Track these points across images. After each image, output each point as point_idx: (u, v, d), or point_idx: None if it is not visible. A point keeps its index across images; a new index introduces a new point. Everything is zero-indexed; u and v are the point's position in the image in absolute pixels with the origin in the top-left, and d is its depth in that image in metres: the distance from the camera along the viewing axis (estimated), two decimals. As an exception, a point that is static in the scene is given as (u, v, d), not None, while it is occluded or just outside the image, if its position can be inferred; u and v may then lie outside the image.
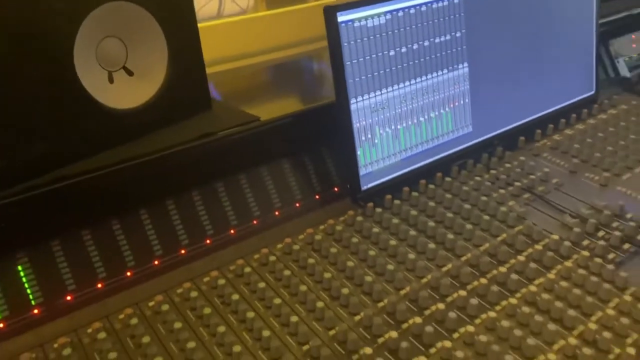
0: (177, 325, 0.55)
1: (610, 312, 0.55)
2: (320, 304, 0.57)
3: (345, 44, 0.65)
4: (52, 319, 0.57)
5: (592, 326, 0.53)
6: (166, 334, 0.55)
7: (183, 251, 0.65)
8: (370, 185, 0.73)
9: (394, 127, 0.73)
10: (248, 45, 1.03)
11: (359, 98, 0.68)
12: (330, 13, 0.64)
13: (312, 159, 0.76)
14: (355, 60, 0.67)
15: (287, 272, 0.61)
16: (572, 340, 0.52)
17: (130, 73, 0.66)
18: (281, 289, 0.60)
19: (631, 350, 0.51)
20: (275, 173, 0.73)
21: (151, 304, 0.58)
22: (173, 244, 0.65)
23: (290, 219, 0.71)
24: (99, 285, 0.60)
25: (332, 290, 0.59)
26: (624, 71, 1.06)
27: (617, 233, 0.65)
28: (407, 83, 0.72)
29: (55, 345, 0.54)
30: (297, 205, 0.73)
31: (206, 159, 0.68)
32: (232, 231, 0.68)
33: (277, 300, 0.58)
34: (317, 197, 0.75)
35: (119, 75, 0.65)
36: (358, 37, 0.66)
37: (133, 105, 0.66)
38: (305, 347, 0.53)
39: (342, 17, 0.65)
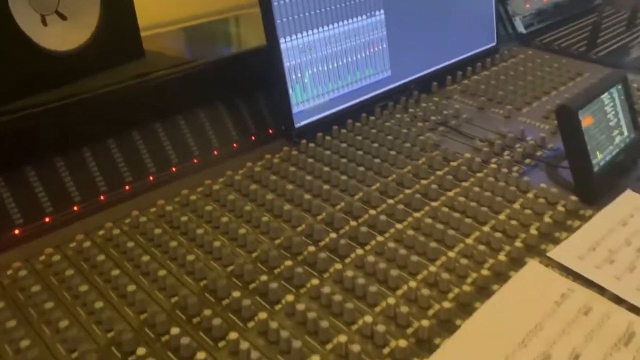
0: (100, 258, 0.57)
1: (516, 207, 0.64)
2: (246, 230, 0.62)
3: (272, -14, 0.70)
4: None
5: (502, 218, 0.62)
6: (95, 268, 0.56)
7: (127, 187, 0.68)
8: (302, 123, 0.78)
9: (321, 68, 0.79)
10: (180, 12, 1.05)
11: (288, 38, 0.74)
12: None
13: (246, 102, 0.81)
14: (282, 1, 0.72)
15: (231, 197, 0.66)
16: (486, 229, 0.60)
17: (63, 17, 0.67)
18: (205, 224, 0.64)
19: (534, 232, 0.60)
20: (212, 115, 0.77)
21: (77, 242, 0.61)
22: (117, 181, 0.67)
23: (229, 158, 0.75)
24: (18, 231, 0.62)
25: (253, 222, 0.63)
26: (520, 28, 1.18)
27: (519, 150, 0.75)
28: (330, 26, 0.79)
29: None
30: (234, 145, 0.77)
31: (142, 99, 0.71)
32: (173, 169, 0.72)
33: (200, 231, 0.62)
34: (252, 138, 0.79)
35: (53, 19, 0.67)
36: (284, -18, 0.72)
37: (68, 48, 0.67)
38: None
39: (268, -39, 0.70)
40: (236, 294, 0.52)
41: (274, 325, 0.48)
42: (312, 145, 0.77)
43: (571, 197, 0.65)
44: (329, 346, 0.48)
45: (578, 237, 0.59)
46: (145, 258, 0.56)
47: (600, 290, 0.52)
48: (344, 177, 0.70)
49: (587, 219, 0.63)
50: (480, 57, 1.04)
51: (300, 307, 0.50)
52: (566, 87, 0.97)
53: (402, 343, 0.47)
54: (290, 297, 0.52)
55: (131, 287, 0.53)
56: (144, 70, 0.72)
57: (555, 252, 0.57)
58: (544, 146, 0.78)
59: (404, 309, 0.50)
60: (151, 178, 0.70)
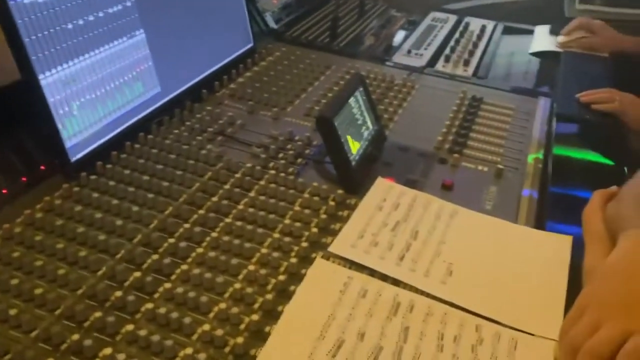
0: None
1: (297, 208, 0.74)
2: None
3: (20, 21, 0.66)
4: None
5: (287, 222, 0.71)
6: None
7: None
8: (79, 156, 0.76)
9: (89, 96, 0.76)
10: None
11: (47, 73, 0.70)
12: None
13: (5, 141, 0.74)
14: (34, 37, 0.67)
15: (16, 254, 0.62)
16: (276, 235, 0.69)
17: None
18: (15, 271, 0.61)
19: (314, 229, 0.70)
20: (-30, 163, 0.70)
21: None
22: None
23: (0, 207, 0.70)
24: None
25: (47, 276, 0.61)
26: (272, 23, 1.28)
27: (291, 152, 0.85)
28: (91, 53, 0.76)
29: None
30: (4, 191, 0.72)
31: None
32: None
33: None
34: (23, 179, 0.74)
35: None
36: (31, 14, 0.67)
37: None
38: None
39: (9, -5, 0.64)
40: (50, 361, 0.52)
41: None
42: (93, 177, 0.75)
43: (338, 190, 0.77)
44: (157, 386, 0.51)
45: (347, 228, 0.71)
46: None
47: (371, 272, 0.65)
48: (135, 208, 0.71)
49: (353, 207, 0.75)
50: (242, 59, 1.11)
51: (121, 356, 0.52)
52: (319, 81, 1.10)
53: (255, 317, 0.52)
54: (108, 350, 0.53)
55: None
56: None
57: (333, 246, 0.68)
58: (309, 144, 0.89)
59: (219, 331, 0.55)
60: None
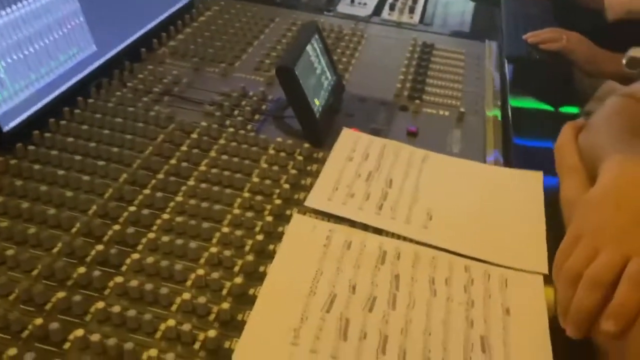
0: None
1: (264, 165, 0.69)
2: None
3: None
4: None
5: (255, 180, 0.66)
6: None
7: None
8: (12, 125, 0.67)
9: (16, 56, 0.67)
10: None
11: (-35, 30, 0.61)
12: None
13: None
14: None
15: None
16: (246, 194, 0.64)
17: None
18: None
19: (286, 185, 0.66)
20: None
21: None
22: None
23: None
24: None
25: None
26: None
27: (247, 108, 0.80)
28: (13, 7, 0.67)
29: None
30: None
31: None
32: None
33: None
34: (-52, 155, 0.65)
35: None
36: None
37: None
38: None
39: None
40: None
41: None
42: (31, 147, 0.67)
43: (304, 144, 0.73)
44: (141, 364, 0.47)
45: (320, 181, 0.67)
46: None
47: (352, 223, 0.62)
48: (85, 177, 0.64)
49: (321, 161, 0.72)
50: (180, 15, 1.03)
51: (95, 337, 0.47)
52: (264, 35, 1.04)
53: (212, 333, 0.48)
54: (79, 331, 0.47)
55: None
56: None
57: (309, 200, 0.64)
58: (265, 99, 0.84)
59: (201, 299, 0.51)
60: None
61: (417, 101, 0.86)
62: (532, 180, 0.70)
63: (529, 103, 0.93)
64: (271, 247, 0.59)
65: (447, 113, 0.85)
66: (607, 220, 0.48)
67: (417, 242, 0.60)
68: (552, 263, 0.55)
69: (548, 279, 0.57)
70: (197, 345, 0.48)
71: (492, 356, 0.49)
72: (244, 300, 0.53)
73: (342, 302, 0.52)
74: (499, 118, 0.85)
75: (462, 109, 0.84)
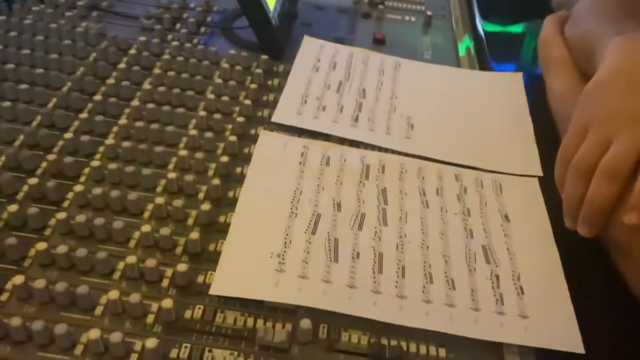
0: None
1: (218, 81, 0.60)
2: None
3: None
4: None
5: (211, 97, 0.58)
6: None
7: None
8: None
9: None
10: None
11: None
12: None
13: None
14: None
15: None
16: (201, 113, 0.55)
17: None
18: None
19: (247, 101, 0.58)
20: None
21: None
22: None
23: None
24: None
25: None
26: None
27: (190, 20, 0.69)
28: None
29: None
30: None
31: None
32: None
33: None
34: None
35: None
36: None
37: None
38: None
39: None
40: None
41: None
42: None
43: (261, 56, 0.65)
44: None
45: (286, 95, 0.59)
46: None
47: (327, 137, 0.55)
48: (6, 104, 0.53)
49: (282, 75, 0.63)
50: None
51: (39, 283, 0.39)
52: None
53: (182, 267, 0.41)
54: (18, 278, 0.39)
55: None
56: None
57: (276, 115, 0.56)
58: (210, 10, 0.74)
59: (164, 230, 0.43)
60: None
61: (380, 6, 0.78)
62: (513, 82, 0.65)
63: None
64: (238, 169, 0.51)
65: (413, 19, 0.78)
66: (618, 106, 0.43)
67: (401, 153, 0.54)
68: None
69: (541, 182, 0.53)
70: (165, 283, 0.41)
71: (497, 265, 0.44)
72: (215, 229, 0.45)
73: (328, 221, 0.46)
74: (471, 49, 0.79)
75: (428, 12, 0.77)
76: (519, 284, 0.43)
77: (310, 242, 0.44)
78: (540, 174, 0.53)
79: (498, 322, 0.40)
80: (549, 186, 0.51)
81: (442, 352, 0.39)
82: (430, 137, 0.56)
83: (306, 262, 0.42)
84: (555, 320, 0.41)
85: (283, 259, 0.42)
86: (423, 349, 0.39)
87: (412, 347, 0.39)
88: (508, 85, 0.64)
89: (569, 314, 0.41)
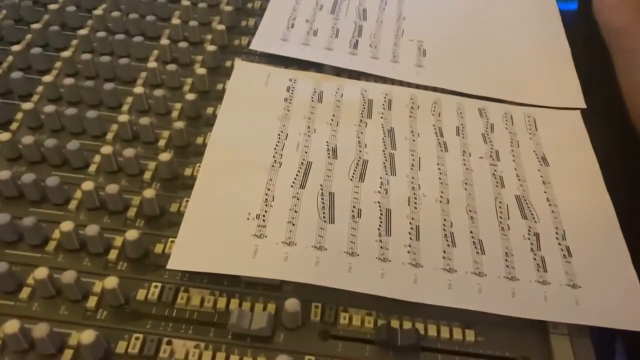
0: None
1: (186, 3, 0.49)
2: None
3: None
4: None
5: (176, 22, 0.47)
6: None
7: None
8: None
9: None
10: None
11: None
12: None
13: None
14: None
15: None
16: (165, 42, 0.45)
17: None
18: None
19: (219, 27, 0.47)
20: None
21: None
22: None
23: None
24: None
25: None
26: None
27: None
28: None
29: None
30: None
31: None
32: None
33: None
34: None
35: None
36: None
37: None
38: None
39: None
40: None
41: None
42: None
43: (239, -25, 0.53)
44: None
45: (270, 16, 0.49)
46: None
47: (319, 67, 0.45)
48: None
49: (265, -5, 0.53)
50: None
51: None
52: None
53: (132, 234, 0.32)
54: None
55: None
56: None
57: (256, 42, 0.46)
58: None
59: (111, 188, 0.34)
60: None
61: None
62: (544, -2, 0.53)
63: None
64: (209, 110, 0.41)
65: None
66: None
67: (411, 85, 0.44)
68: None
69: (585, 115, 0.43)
70: (113, 255, 0.32)
71: (536, 220, 0.35)
72: (178, 184, 0.36)
73: (321, 172, 0.36)
74: None
75: None
76: (565, 243, 0.34)
77: (298, 199, 0.34)
78: (583, 105, 0.43)
79: (541, 295, 0.31)
80: (594, 121, 0.42)
81: (470, 334, 0.30)
82: (446, 64, 0.46)
83: (293, 224, 0.33)
84: (613, 290, 0.32)
85: (264, 220, 0.33)
86: (445, 332, 0.30)
87: (431, 330, 0.30)
88: (538, 1, 0.53)
89: (631, 280, 0.32)
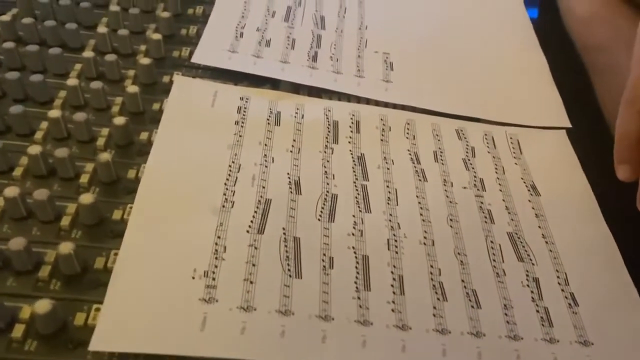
0: None
1: (114, 9, 0.42)
2: None
3: None
4: None
5: (102, 31, 0.40)
6: None
7: None
8: None
9: None
10: None
11: None
12: None
13: None
14: None
15: None
16: (89, 54, 0.38)
17: None
18: None
19: (157, 38, 0.40)
20: None
21: None
22: None
23: None
24: None
25: None
26: None
27: None
28: None
29: None
30: None
31: None
32: None
33: None
34: None
35: None
36: None
37: None
38: None
39: None
40: None
41: None
42: None
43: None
44: None
45: (214, 25, 0.42)
46: None
47: (274, 83, 0.39)
48: None
49: (207, 1, 0.46)
50: None
51: None
52: None
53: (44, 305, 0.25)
54: None
55: None
56: None
57: (198, 55, 0.39)
58: None
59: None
60: None
61: None
62: (512, 3, 0.50)
63: None
64: (143, 136, 0.34)
65: None
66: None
67: (379, 104, 0.39)
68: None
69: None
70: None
71: (534, 262, 0.30)
72: (102, 231, 0.29)
73: (283, 211, 0.30)
74: None
75: None
76: (569, 290, 0.29)
77: (256, 248, 0.28)
78: (568, 124, 0.39)
79: (549, 356, 0.27)
80: (580, 142, 0.38)
81: (471, 411, 0.25)
82: (415, 79, 0.41)
83: (251, 282, 0.27)
84: (628, 342, 0.28)
85: (213, 279, 0.27)
86: (442, 410, 0.25)
87: (426, 409, 0.25)
88: (507, 5, 0.49)
89: (644, 330, 0.28)
